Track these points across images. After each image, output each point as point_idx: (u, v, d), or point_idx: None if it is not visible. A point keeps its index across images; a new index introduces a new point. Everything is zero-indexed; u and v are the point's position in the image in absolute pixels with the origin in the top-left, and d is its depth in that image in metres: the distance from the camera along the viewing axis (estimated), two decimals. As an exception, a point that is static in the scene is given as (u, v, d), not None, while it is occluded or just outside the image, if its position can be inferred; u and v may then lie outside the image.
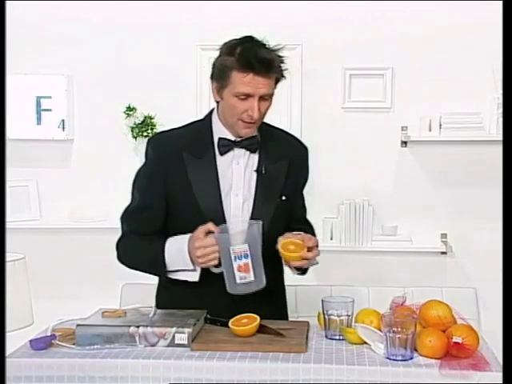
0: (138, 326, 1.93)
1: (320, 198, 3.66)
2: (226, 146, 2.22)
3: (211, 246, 2.08)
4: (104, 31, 3.67)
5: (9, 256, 2.53)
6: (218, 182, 2.20)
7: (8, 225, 2.56)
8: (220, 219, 2.17)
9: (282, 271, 2.34)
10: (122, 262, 2.31)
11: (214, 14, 3.61)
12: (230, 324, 2.00)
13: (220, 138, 2.23)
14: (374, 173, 3.68)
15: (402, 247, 3.61)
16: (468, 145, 3.58)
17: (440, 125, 3.55)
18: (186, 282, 2.19)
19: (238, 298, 2.09)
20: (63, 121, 3.72)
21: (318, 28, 3.62)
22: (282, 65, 2.15)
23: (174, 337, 1.92)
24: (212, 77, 2.19)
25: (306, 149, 2.39)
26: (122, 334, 1.92)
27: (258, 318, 2.00)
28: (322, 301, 2.04)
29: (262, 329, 1.99)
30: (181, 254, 2.14)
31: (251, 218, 2.20)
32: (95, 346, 1.90)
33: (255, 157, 2.25)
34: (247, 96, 2.11)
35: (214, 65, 2.18)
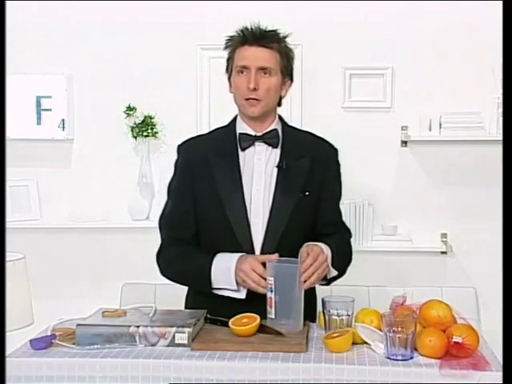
0: (138, 326, 1.93)
1: (320, 198, 3.66)
2: (247, 140, 2.26)
3: (253, 272, 2.09)
4: (104, 31, 3.67)
5: (9, 256, 2.53)
6: (241, 178, 2.23)
7: (8, 225, 2.57)
8: (242, 214, 2.21)
9: None
10: (165, 276, 2.33)
11: (214, 14, 3.60)
12: (230, 324, 2.00)
13: (241, 134, 2.27)
14: (374, 173, 3.68)
15: (402, 247, 3.61)
16: (468, 145, 3.58)
17: (440, 125, 3.55)
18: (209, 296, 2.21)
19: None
20: (63, 121, 3.71)
21: (318, 28, 3.62)
22: (280, 38, 2.21)
23: (174, 336, 1.92)
24: (226, 70, 2.29)
25: (335, 150, 2.39)
26: (122, 333, 1.92)
27: (258, 317, 2.00)
28: (322, 300, 2.04)
29: (261, 328, 1.99)
30: (227, 273, 2.16)
31: (270, 213, 2.22)
32: (95, 346, 1.90)
33: (277, 153, 2.27)
34: (245, 69, 2.19)
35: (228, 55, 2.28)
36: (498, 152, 3.03)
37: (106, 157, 3.72)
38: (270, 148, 2.27)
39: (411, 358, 1.83)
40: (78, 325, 1.96)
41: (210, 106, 3.65)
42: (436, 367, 1.78)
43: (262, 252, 2.22)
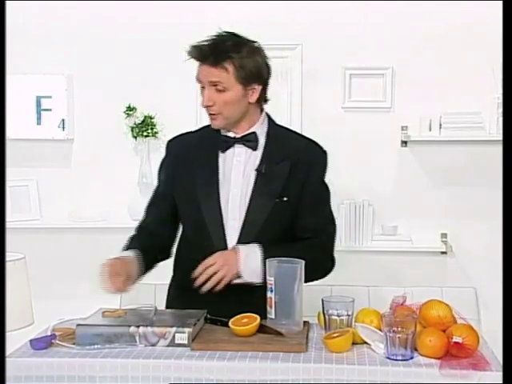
0: (138, 326, 1.93)
1: (320, 198, 3.66)
2: (226, 142, 2.28)
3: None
4: (104, 31, 3.67)
5: (9, 256, 2.53)
6: (218, 178, 2.25)
7: (8, 225, 2.56)
8: (216, 215, 2.23)
9: None
10: None
11: (214, 14, 3.60)
12: (230, 324, 2.00)
13: (221, 135, 2.29)
14: (374, 173, 3.68)
15: (402, 247, 3.61)
16: (468, 145, 3.58)
17: (440, 125, 3.55)
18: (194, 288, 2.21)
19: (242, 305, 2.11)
20: (63, 120, 3.72)
21: (318, 28, 3.62)
22: (232, 53, 2.18)
23: (174, 336, 1.92)
24: None
25: (323, 152, 2.38)
26: (122, 333, 1.92)
27: (258, 317, 2.00)
28: (322, 300, 2.04)
29: (261, 328, 1.99)
30: None
31: (246, 215, 2.23)
32: (95, 346, 1.90)
33: (258, 155, 2.27)
34: (202, 85, 2.23)
35: None
36: (498, 152, 3.03)
37: (106, 157, 3.73)
38: (250, 150, 2.27)
39: (411, 357, 1.83)
40: (78, 325, 1.95)
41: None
42: (436, 367, 1.78)
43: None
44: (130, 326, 1.93)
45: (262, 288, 2.11)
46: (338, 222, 3.57)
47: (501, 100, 3.39)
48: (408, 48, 3.60)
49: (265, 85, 2.30)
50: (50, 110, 3.71)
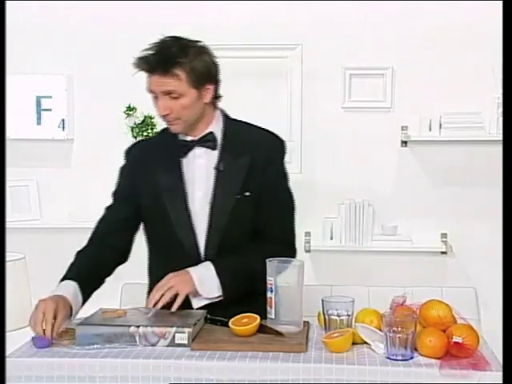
0: (138, 326, 1.93)
1: (320, 198, 3.67)
2: (184, 146, 2.28)
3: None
4: (104, 31, 3.67)
5: (9, 256, 2.54)
6: (183, 182, 2.25)
7: (8, 225, 2.56)
8: (183, 216, 2.23)
9: None
10: None
11: (214, 14, 3.60)
12: (230, 324, 2.00)
13: (180, 140, 2.29)
14: (374, 173, 3.68)
15: (402, 247, 3.61)
16: (468, 145, 3.58)
17: (440, 125, 3.55)
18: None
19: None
20: (63, 120, 3.72)
21: (318, 28, 3.62)
22: (181, 58, 2.16)
23: (174, 336, 1.92)
24: None
25: (280, 142, 2.34)
26: (122, 333, 1.92)
27: (258, 317, 2.00)
28: (322, 301, 2.04)
29: (262, 329, 1.99)
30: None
31: (210, 214, 2.23)
32: (95, 346, 1.90)
33: (216, 154, 2.27)
34: (155, 95, 2.21)
35: None
36: (498, 152, 3.03)
37: (106, 157, 3.72)
38: (210, 150, 2.27)
39: (411, 357, 1.83)
40: (78, 325, 1.96)
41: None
42: (436, 367, 1.78)
43: (206, 253, 2.23)
44: (130, 326, 1.93)
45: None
46: (338, 222, 3.64)
47: (501, 100, 3.39)
48: (408, 48, 3.60)
49: (216, 83, 2.28)
50: (50, 110, 3.71)
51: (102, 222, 2.41)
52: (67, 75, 3.71)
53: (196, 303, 2.18)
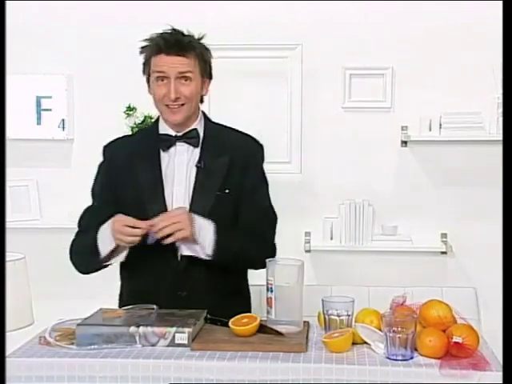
0: (138, 326, 1.93)
1: (320, 198, 3.67)
2: (167, 141, 2.29)
3: (129, 222, 2.13)
4: (104, 31, 3.67)
5: (9, 256, 2.53)
6: (162, 178, 2.25)
7: (8, 225, 2.56)
8: (163, 213, 2.21)
9: (231, 271, 2.33)
10: (80, 271, 2.37)
11: (214, 14, 3.60)
12: (230, 324, 2.00)
13: (161, 134, 2.30)
14: (374, 173, 3.68)
15: (402, 247, 3.61)
16: (468, 145, 3.58)
17: (440, 125, 3.55)
18: (140, 281, 2.26)
19: (188, 296, 2.20)
20: (63, 120, 3.72)
21: (318, 28, 3.62)
22: (195, 44, 2.21)
23: (174, 336, 1.92)
24: (143, 73, 2.30)
25: (259, 146, 2.37)
26: (122, 333, 1.92)
27: (258, 317, 2.00)
28: (322, 301, 2.04)
29: (262, 329, 1.99)
30: (104, 233, 2.20)
31: (190, 210, 2.22)
32: (95, 346, 1.90)
33: (197, 152, 2.28)
34: (164, 77, 2.20)
35: (144, 62, 2.29)
36: (498, 152, 3.02)
37: (106, 157, 3.72)
38: (191, 147, 2.28)
39: (411, 357, 1.83)
40: (78, 325, 1.96)
41: (210, 106, 3.63)
42: (436, 367, 1.78)
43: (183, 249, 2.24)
44: (130, 326, 1.93)
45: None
46: (338, 222, 3.64)
47: (501, 100, 3.39)
48: (408, 48, 3.60)
49: (210, 80, 2.33)
50: (50, 110, 3.71)
51: (85, 226, 2.37)
52: (67, 75, 3.71)
53: (185, 250, 2.20)
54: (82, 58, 3.69)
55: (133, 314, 2.07)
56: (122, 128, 3.70)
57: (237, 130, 2.39)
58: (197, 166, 2.26)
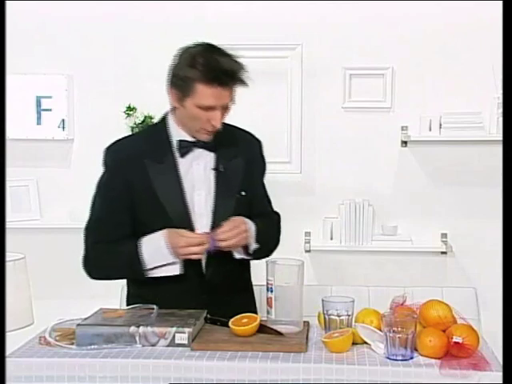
0: (138, 326, 1.93)
1: (320, 198, 3.67)
2: (186, 147, 2.25)
3: (196, 242, 2.14)
4: (104, 31, 3.67)
5: (9, 256, 2.53)
6: (181, 183, 2.24)
7: (8, 225, 2.56)
8: (185, 220, 2.22)
9: (246, 269, 2.38)
10: (95, 277, 2.33)
11: (214, 14, 3.60)
12: (230, 324, 2.00)
13: (179, 141, 2.26)
14: (374, 173, 3.68)
15: (402, 247, 3.61)
16: (468, 144, 3.58)
17: (440, 125, 3.55)
18: (156, 285, 2.22)
19: (209, 298, 2.19)
20: (63, 121, 3.72)
21: (318, 28, 3.62)
22: (242, 69, 2.16)
23: (174, 336, 1.92)
24: (171, 84, 2.22)
25: (259, 142, 2.41)
26: (122, 333, 1.92)
27: (258, 317, 2.00)
28: (322, 301, 2.04)
29: (261, 329, 1.99)
30: (160, 250, 2.17)
31: (213, 214, 2.23)
32: (95, 346, 1.90)
33: (212, 155, 2.27)
34: (210, 107, 2.14)
35: (172, 72, 2.21)
36: (498, 152, 3.03)
37: (106, 157, 3.72)
38: (206, 151, 2.27)
39: (411, 357, 1.83)
40: (78, 325, 1.96)
41: (210, 106, 3.65)
42: (436, 367, 1.78)
43: (208, 253, 2.22)
44: (129, 326, 1.93)
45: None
46: (338, 222, 3.64)
47: (501, 100, 3.39)
48: (408, 48, 3.60)
49: None
50: (50, 110, 3.71)
51: (106, 236, 2.27)
52: (67, 75, 3.71)
53: (236, 254, 2.23)
54: (82, 58, 3.69)
55: (133, 313, 2.07)
56: (122, 128, 3.70)
57: (237, 127, 2.38)
58: (215, 169, 2.26)
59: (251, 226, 2.23)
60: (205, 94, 2.12)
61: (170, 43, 3.61)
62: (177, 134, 2.26)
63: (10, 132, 3.54)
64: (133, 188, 2.24)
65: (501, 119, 3.42)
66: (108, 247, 2.25)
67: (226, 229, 2.16)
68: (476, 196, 3.64)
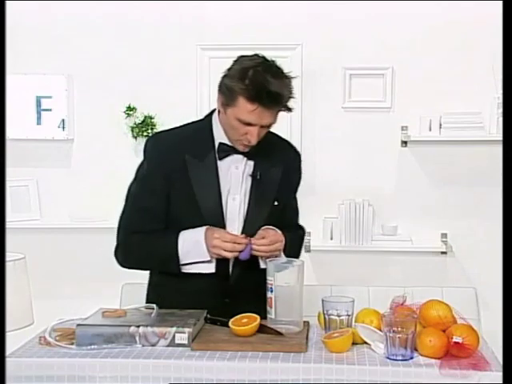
0: (138, 326, 1.93)
1: (320, 198, 3.67)
2: (226, 151, 2.25)
3: (230, 238, 2.14)
4: (104, 31, 3.67)
5: (9, 256, 2.53)
6: (219, 185, 2.23)
7: (8, 225, 2.56)
8: (219, 222, 2.21)
9: None
10: (127, 266, 2.31)
11: (215, 14, 3.60)
12: (230, 324, 2.00)
13: (220, 144, 2.25)
14: (374, 173, 3.68)
15: (402, 247, 3.61)
16: (468, 145, 3.58)
17: (440, 125, 3.55)
18: (176, 281, 2.23)
19: (231, 301, 2.19)
20: (63, 121, 3.72)
21: (318, 28, 3.62)
22: (290, 96, 2.16)
23: (174, 336, 1.92)
24: (219, 89, 2.20)
25: (298, 154, 2.43)
26: (122, 333, 1.92)
27: (258, 317, 2.00)
28: (322, 301, 2.04)
29: (261, 329, 1.99)
30: (197, 245, 2.16)
31: (245, 220, 2.23)
32: (95, 346, 1.90)
33: (251, 162, 2.27)
34: (249, 123, 2.13)
35: (223, 79, 2.17)
36: (498, 152, 3.03)
37: (106, 157, 3.72)
38: (246, 158, 2.26)
39: (411, 357, 1.83)
40: (78, 325, 1.95)
41: (210, 106, 3.63)
42: (436, 367, 1.78)
43: (235, 258, 2.21)
44: (130, 326, 1.93)
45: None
46: (338, 222, 3.64)
47: (501, 100, 3.39)
48: (408, 48, 3.60)
49: None
50: (50, 110, 3.71)
51: (142, 226, 2.26)
52: (67, 75, 3.71)
53: (262, 264, 2.21)
54: (82, 58, 3.69)
55: (133, 313, 2.07)
56: (122, 128, 3.71)
57: (280, 137, 2.38)
58: (253, 175, 2.26)
59: (283, 239, 2.22)
60: (245, 109, 2.10)
61: (170, 43, 3.65)
62: (219, 135, 2.26)
63: (9, 132, 3.55)
64: (171, 181, 2.23)
65: (501, 119, 3.42)
66: (144, 237, 2.25)
67: (265, 242, 2.17)
68: (476, 196, 3.64)
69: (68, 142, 3.77)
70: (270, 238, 2.17)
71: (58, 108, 3.71)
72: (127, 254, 2.30)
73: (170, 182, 2.23)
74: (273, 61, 2.16)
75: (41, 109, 3.71)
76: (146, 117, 3.67)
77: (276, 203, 2.28)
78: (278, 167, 2.29)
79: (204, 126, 2.30)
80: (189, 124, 2.35)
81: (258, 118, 2.11)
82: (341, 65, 3.62)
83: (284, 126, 3.60)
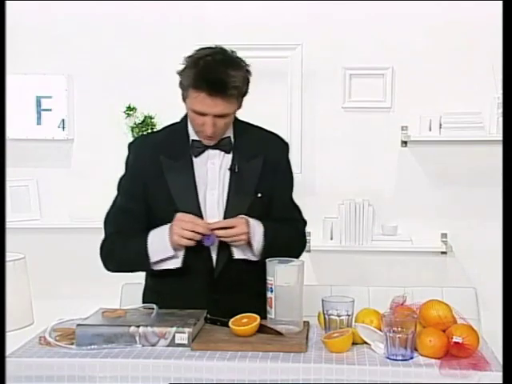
0: (138, 326, 1.93)
1: (320, 198, 3.67)
2: (199, 147, 2.25)
3: (188, 218, 2.13)
4: (104, 31, 3.67)
5: (9, 256, 2.53)
6: (195, 182, 2.24)
7: (8, 225, 2.56)
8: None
9: (260, 271, 2.31)
10: (109, 269, 2.34)
11: (215, 14, 3.61)
12: (230, 324, 2.00)
13: (193, 141, 2.26)
14: (374, 173, 3.68)
15: (402, 247, 3.61)
16: (468, 145, 3.58)
17: (440, 125, 3.55)
18: (170, 281, 2.23)
19: (220, 298, 2.19)
20: (63, 121, 3.72)
21: (318, 28, 3.62)
22: (239, 85, 2.12)
23: (174, 336, 1.92)
24: (179, 84, 2.20)
25: (285, 144, 2.39)
26: (122, 333, 1.92)
27: (258, 317, 2.00)
28: (322, 301, 2.04)
29: (261, 329, 1.99)
30: (162, 242, 2.17)
31: (225, 214, 2.22)
32: (95, 346, 1.90)
33: (229, 156, 2.27)
34: (202, 113, 2.13)
35: (180, 71, 2.18)
36: (498, 152, 3.03)
37: (106, 157, 3.72)
38: (223, 153, 2.26)
39: (411, 357, 1.83)
40: (78, 325, 1.95)
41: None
42: (436, 367, 1.78)
43: (218, 254, 2.23)
44: (130, 326, 1.93)
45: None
46: (338, 222, 3.64)
47: (501, 100, 3.39)
48: (408, 48, 3.60)
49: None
50: (50, 110, 3.71)
51: (121, 227, 2.31)
52: (67, 75, 3.71)
53: (236, 254, 2.20)
54: (82, 58, 3.69)
55: (133, 313, 2.07)
56: (122, 128, 3.71)
57: (263, 129, 2.37)
58: (230, 169, 2.25)
59: (256, 227, 2.20)
60: (194, 99, 2.12)
61: (169, 43, 3.65)
62: (192, 133, 2.27)
63: (9, 132, 3.55)
64: (148, 184, 2.26)
65: (501, 119, 3.42)
66: (120, 238, 2.28)
67: (221, 224, 2.16)
68: (476, 196, 3.64)
69: (68, 141, 3.77)
70: (227, 221, 2.16)
71: (58, 108, 3.71)
72: (106, 256, 2.33)
73: (146, 186, 2.26)
74: (232, 51, 2.17)
75: (41, 109, 3.71)
76: (146, 117, 3.67)
77: (259, 195, 2.25)
78: (258, 158, 2.27)
79: (181, 126, 2.32)
80: (168, 126, 2.36)
81: (206, 106, 2.10)
82: (341, 65, 3.63)
83: (284, 126, 3.63)
